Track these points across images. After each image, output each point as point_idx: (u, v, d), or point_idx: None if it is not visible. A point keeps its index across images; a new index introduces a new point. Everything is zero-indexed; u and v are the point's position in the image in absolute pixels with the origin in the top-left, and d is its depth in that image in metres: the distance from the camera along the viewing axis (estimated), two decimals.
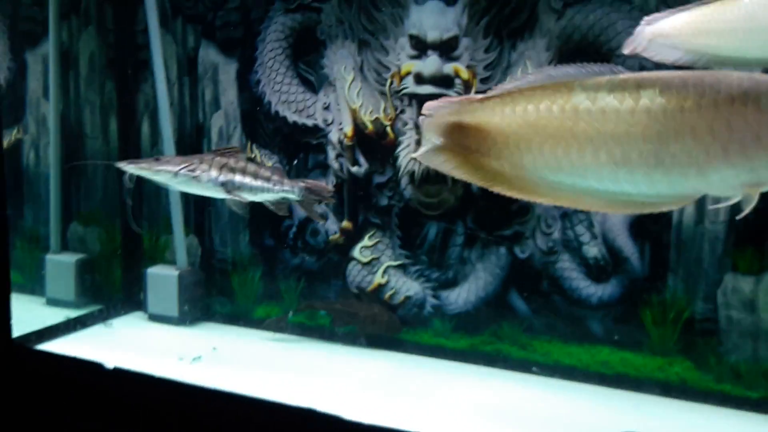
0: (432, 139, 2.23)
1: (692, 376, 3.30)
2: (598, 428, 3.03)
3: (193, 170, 3.27)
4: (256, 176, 3.31)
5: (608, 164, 2.13)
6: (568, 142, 2.10)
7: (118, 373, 3.63)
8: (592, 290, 3.51)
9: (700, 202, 3.24)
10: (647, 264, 3.38)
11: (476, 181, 2.40)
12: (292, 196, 3.34)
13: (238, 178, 3.29)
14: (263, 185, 3.33)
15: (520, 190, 2.42)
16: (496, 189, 2.44)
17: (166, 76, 4.25)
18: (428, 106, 2.24)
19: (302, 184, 3.31)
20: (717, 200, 3.14)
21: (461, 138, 2.35)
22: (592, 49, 3.42)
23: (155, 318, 4.39)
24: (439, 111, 2.24)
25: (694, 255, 3.27)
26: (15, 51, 4.78)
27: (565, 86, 2.08)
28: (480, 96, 2.13)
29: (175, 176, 3.29)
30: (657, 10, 3.24)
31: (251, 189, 3.33)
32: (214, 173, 3.28)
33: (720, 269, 3.23)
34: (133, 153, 4.50)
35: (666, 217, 3.32)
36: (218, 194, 3.35)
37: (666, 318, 3.33)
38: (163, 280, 4.36)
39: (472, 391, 3.46)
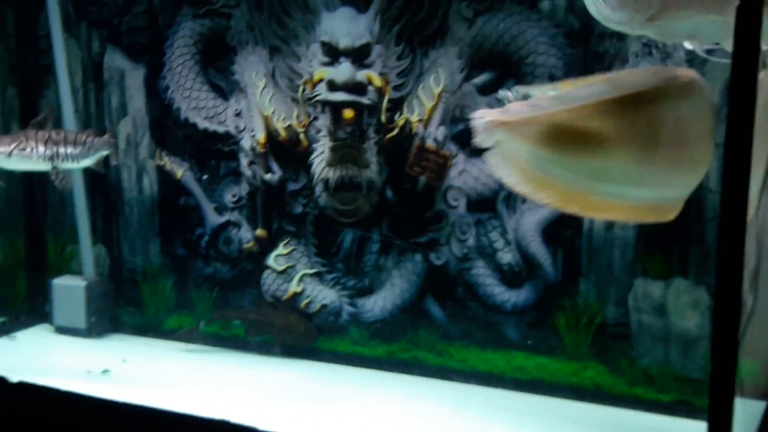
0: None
1: (605, 380, 3.35)
2: None
3: (24, 149, 3.36)
4: (75, 144, 3.54)
5: None
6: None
7: (23, 387, 3.50)
8: (506, 296, 3.53)
9: None
10: (560, 269, 3.42)
11: (526, 186, 2.46)
12: (106, 151, 3.70)
13: (62, 149, 3.49)
14: (83, 151, 3.60)
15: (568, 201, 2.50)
16: (544, 197, 2.50)
17: (70, 82, 4.12)
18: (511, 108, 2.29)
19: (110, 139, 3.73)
20: None
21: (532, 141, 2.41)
22: (502, 58, 3.44)
23: (62, 330, 4.25)
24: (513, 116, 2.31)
25: (606, 260, 3.32)
26: None
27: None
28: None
29: (9, 157, 3.44)
30: (565, 18, 3.29)
31: (74, 157, 3.58)
32: (41, 148, 3.45)
33: (631, 274, 3.28)
34: None
35: (577, 222, 3.35)
36: (47, 168, 3.55)
37: (579, 323, 3.37)
38: (69, 291, 4.21)
39: (389, 399, 3.44)
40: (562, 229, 3.40)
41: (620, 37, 3.14)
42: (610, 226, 3.30)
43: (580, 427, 3.13)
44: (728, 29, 2.13)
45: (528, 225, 3.46)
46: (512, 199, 3.49)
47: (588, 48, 3.28)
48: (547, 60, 3.33)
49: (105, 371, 3.69)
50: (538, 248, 3.45)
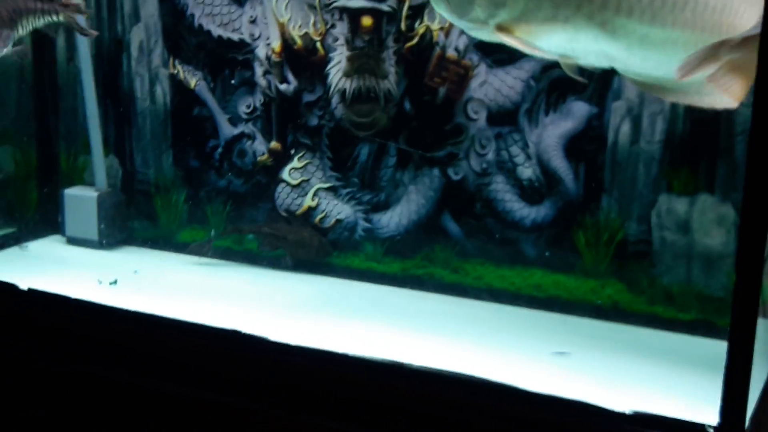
0: None
1: (624, 298, 3.27)
2: (529, 349, 2.99)
3: None
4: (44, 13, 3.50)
5: None
6: None
7: (33, 294, 3.48)
8: (525, 212, 3.44)
9: (636, 122, 3.18)
10: (581, 185, 3.32)
11: None
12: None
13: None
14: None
15: None
16: None
17: None
18: None
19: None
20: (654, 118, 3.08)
21: None
22: None
23: (73, 241, 4.20)
24: None
25: (629, 176, 3.22)
26: None
27: None
28: None
29: None
30: None
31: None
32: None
33: (654, 190, 3.18)
34: (49, 68, 4.25)
35: (601, 136, 3.24)
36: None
37: (599, 240, 3.29)
38: (81, 201, 4.16)
39: (402, 314, 3.39)
40: (585, 144, 3.30)
41: None
42: (635, 140, 3.19)
43: (598, 345, 3.06)
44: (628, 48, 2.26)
45: (550, 139, 3.35)
46: (534, 112, 3.38)
47: None
48: None
49: (113, 282, 3.64)
50: (559, 163, 3.34)
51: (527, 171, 3.42)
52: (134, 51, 4.08)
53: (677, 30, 2.44)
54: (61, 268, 3.90)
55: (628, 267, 3.26)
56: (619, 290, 3.28)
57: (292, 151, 3.85)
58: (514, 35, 2.52)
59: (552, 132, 3.35)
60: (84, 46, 4.02)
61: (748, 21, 2.41)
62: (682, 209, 3.13)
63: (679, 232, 3.14)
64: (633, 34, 2.46)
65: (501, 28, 2.53)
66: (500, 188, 3.48)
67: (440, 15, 3.32)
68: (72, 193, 4.18)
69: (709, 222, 3.08)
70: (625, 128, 3.19)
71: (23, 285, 3.46)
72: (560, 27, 2.49)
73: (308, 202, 3.85)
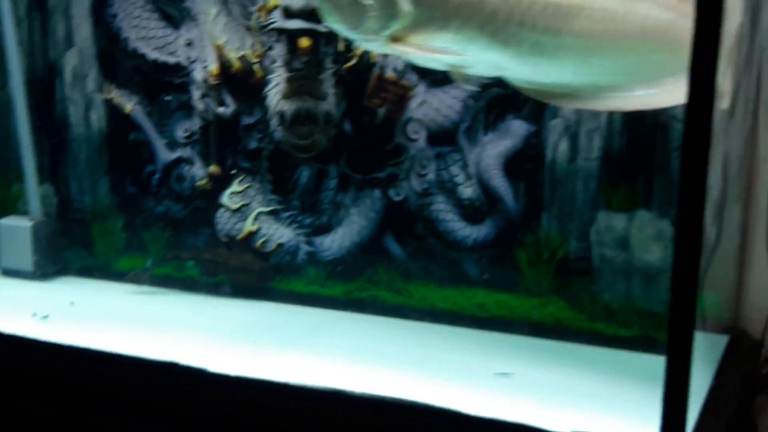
0: None
1: (566, 316, 3.27)
2: (472, 371, 2.96)
3: None
4: None
5: None
6: None
7: None
8: (467, 232, 3.42)
9: (574, 139, 3.19)
10: (521, 204, 3.32)
11: None
12: None
13: None
14: None
15: None
16: None
17: (13, 11, 3.91)
18: None
19: None
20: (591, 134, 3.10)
21: None
22: None
23: (8, 272, 4.09)
24: None
25: (568, 193, 3.22)
26: None
27: None
28: None
29: None
30: None
31: None
32: None
33: (593, 207, 3.19)
34: None
35: (540, 154, 3.25)
36: None
37: (540, 258, 3.28)
38: (15, 231, 4.05)
39: (346, 338, 3.34)
40: (524, 162, 3.29)
41: None
42: (573, 157, 3.20)
43: (540, 362, 3.05)
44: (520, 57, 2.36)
45: (490, 158, 3.35)
46: (474, 132, 3.37)
47: None
48: None
49: (45, 317, 3.53)
50: (499, 182, 3.34)
51: (468, 190, 3.41)
52: (68, 76, 4.00)
53: (571, 37, 2.48)
54: None
55: (569, 284, 3.26)
56: (561, 308, 3.28)
57: (233, 173, 3.80)
58: (407, 45, 2.56)
59: (491, 151, 3.34)
60: (16, 72, 3.93)
61: (656, 24, 2.46)
62: (621, 226, 3.14)
63: (618, 249, 3.15)
64: (525, 42, 2.49)
65: (394, 39, 2.57)
66: (441, 208, 3.46)
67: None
68: (6, 223, 4.08)
69: (647, 238, 3.10)
70: (563, 146, 3.20)
71: None
72: (452, 37, 2.53)
73: (249, 226, 3.80)
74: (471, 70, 2.69)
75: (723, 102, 2.52)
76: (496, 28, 2.48)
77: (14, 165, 4.14)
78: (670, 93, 2.52)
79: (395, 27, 2.56)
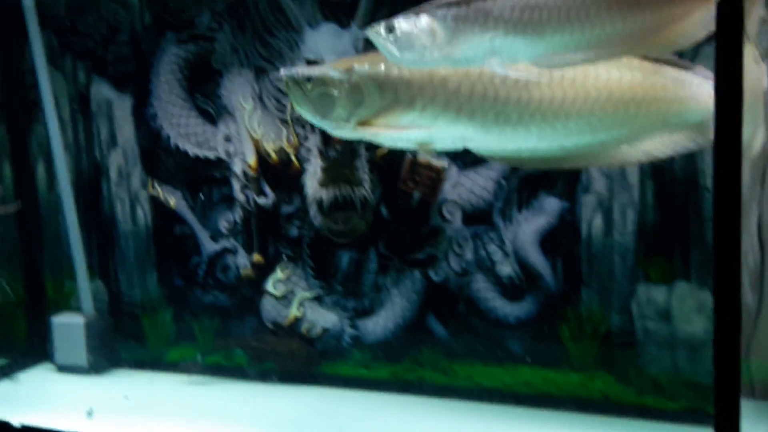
0: None
1: (614, 391, 3.24)
2: None
3: None
4: None
5: None
6: None
7: (26, 431, 3.45)
8: (508, 309, 3.44)
9: (608, 213, 3.20)
10: (561, 279, 3.33)
11: None
12: None
13: None
14: None
15: None
16: None
17: (58, 116, 4.08)
18: None
19: None
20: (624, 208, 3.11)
21: None
22: None
23: (63, 368, 4.18)
24: None
25: (606, 267, 3.22)
26: None
27: None
28: None
29: None
30: None
31: None
32: None
33: (632, 280, 3.18)
34: (30, 198, 4.31)
35: (575, 230, 3.27)
36: None
37: (583, 332, 3.28)
38: (69, 328, 4.16)
39: (395, 421, 3.35)
40: (559, 238, 3.31)
41: None
42: (608, 232, 3.21)
43: None
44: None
45: (525, 235, 3.37)
46: (508, 210, 3.41)
47: None
48: None
49: (89, 413, 3.58)
50: (537, 258, 3.36)
51: (506, 268, 3.43)
52: (113, 175, 4.14)
53: (534, 104, 2.51)
54: (51, 399, 3.86)
55: (614, 358, 3.24)
56: (608, 382, 3.26)
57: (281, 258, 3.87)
58: (375, 128, 2.65)
59: (527, 228, 3.37)
60: (63, 174, 4.08)
61: (619, 85, 2.49)
62: (661, 298, 3.13)
63: (660, 321, 3.13)
64: (489, 112, 2.55)
65: (362, 123, 2.67)
66: (481, 287, 3.49)
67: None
68: (59, 320, 4.19)
69: (689, 309, 3.08)
70: (598, 221, 3.21)
71: (15, 421, 3.44)
72: (418, 115, 2.60)
73: (294, 312, 3.85)
74: (438, 145, 2.73)
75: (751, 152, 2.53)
76: (461, 103, 2.55)
77: (65, 263, 4.27)
78: (645, 146, 2.56)
79: (363, 113, 2.65)
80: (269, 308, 3.91)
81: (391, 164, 3.58)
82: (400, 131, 2.65)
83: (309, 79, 2.65)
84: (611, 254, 3.21)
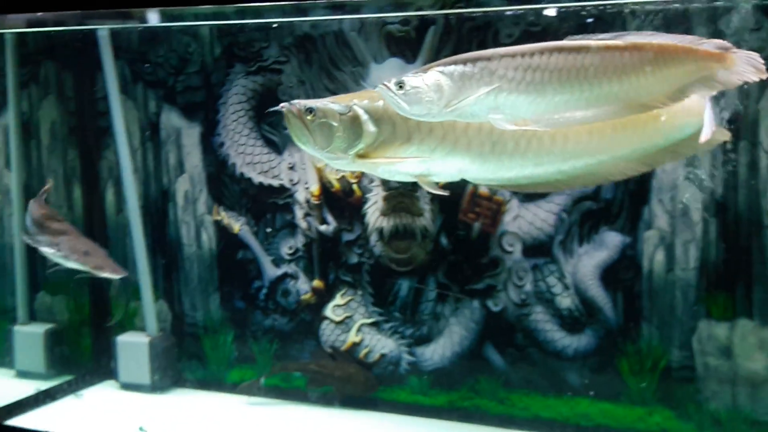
0: None
1: (673, 426, 3.26)
2: None
3: None
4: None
5: None
6: None
7: None
8: (567, 341, 3.47)
9: (670, 249, 3.23)
10: (620, 313, 3.36)
11: None
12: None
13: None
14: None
15: None
16: None
17: (128, 142, 4.22)
18: None
19: None
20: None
21: None
22: None
23: (127, 386, 4.30)
24: None
25: (667, 303, 3.25)
26: None
27: None
28: None
29: None
30: None
31: None
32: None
33: (694, 316, 3.20)
34: (98, 220, 4.45)
35: (636, 265, 3.30)
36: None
37: (643, 367, 3.30)
38: (133, 347, 4.27)
39: None
40: (621, 272, 3.35)
41: None
42: (670, 268, 3.24)
43: None
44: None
45: (586, 269, 3.41)
46: (569, 243, 3.45)
47: None
48: None
49: (141, 429, 3.69)
50: (597, 292, 3.39)
51: (566, 301, 3.47)
52: (180, 200, 4.26)
53: (529, 133, 2.55)
54: (113, 417, 3.98)
55: (674, 393, 3.26)
56: (667, 417, 3.28)
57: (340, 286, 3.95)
58: (373, 160, 2.71)
59: (588, 262, 3.41)
60: (132, 198, 4.21)
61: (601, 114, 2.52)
62: (723, 334, 3.15)
63: (721, 357, 3.15)
64: (486, 143, 2.59)
65: (360, 156, 2.71)
66: (540, 318, 3.53)
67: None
68: (124, 339, 4.31)
69: (750, 346, 3.09)
70: (659, 256, 3.24)
71: None
72: (415, 149, 2.65)
73: (352, 337, 3.93)
74: (436, 177, 2.77)
75: None
76: (457, 136, 2.59)
77: (131, 284, 4.40)
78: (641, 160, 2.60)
79: (361, 145, 2.70)
80: (328, 333, 3.99)
81: (452, 196, 3.64)
82: (397, 163, 2.70)
83: (310, 111, 2.72)
84: (673, 290, 3.24)
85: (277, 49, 3.92)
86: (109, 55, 4.13)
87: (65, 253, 3.39)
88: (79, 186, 4.52)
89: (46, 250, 3.46)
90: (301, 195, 3.97)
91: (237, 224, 4.15)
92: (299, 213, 3.99)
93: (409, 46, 3.62)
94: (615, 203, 3.30)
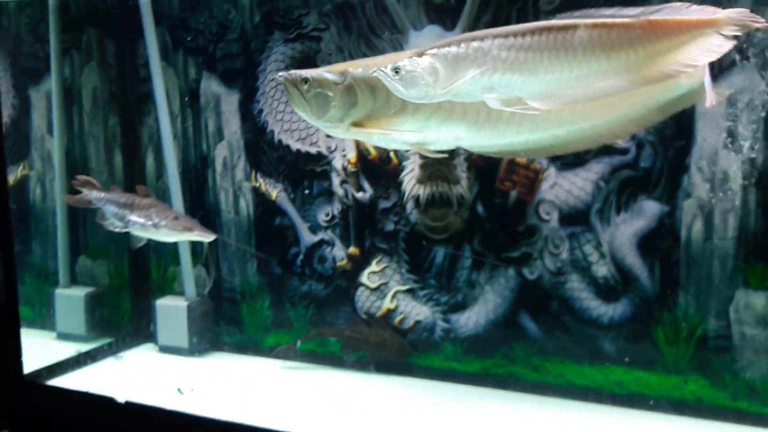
0: None
1: (708, 394, 3.27)
2: None
3: None
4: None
5: None
6: None
7: (130, 406, 3.66)
8: (602, 310, 3.48)
9: (709, 218, 3.22)
10: (657, 282, 3.36)
11: None
12: None
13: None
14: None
15: None
16: None
17: (168, 109, 4.27)
18: None
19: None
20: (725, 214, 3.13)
21: None
22: None
23: (165, 349, 4.38)
24: None
25: (705, 272, 3.25)
26: (18, 88, 4.80)
27: None
28: None
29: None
30: None
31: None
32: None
33: (731, 285, 3.20)
34: (139, 185, 4.50)
35: (674, 234, 3.29)
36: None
37: (679, 336, 3.31)
38: (172, 311, 4.35)
39: (485, 415, 3.44)
40: (658, 241, 3.35)
41: None
42: (708, 237, 3.23)
43: None
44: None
45: (623, 237, 3.42)
46: (606, 212, 3.45)
47: None
48: None
49: (180, 391, 3.76)
50: (634, 261, 3.40)
51: (602, 269, 3.48)
52: (218, 166, 4.31)
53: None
54: (153, 378, 4.06)
55: (709, 362, 3.27)
56: (702, 386, 3.28)
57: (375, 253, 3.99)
58: (368, 129, 2.77)
59: (625, 230, 3.41)
60: (172, 164, 4.26)
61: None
62: (760, 304, 3.14)
63: (758, 327, 3.14)
64: (482, 110, 2.64)
65: (355, 124, 2.78)
66: (576, 287, 3.54)
67: None
68: (163, 303, 4.38)
69: None
70: (698, 225, 3.23)
71: (120, 397, 3.64)
72: (410, 117, 2.71)
73: (387, 304, 3.96)
74: (432, 146, 2.82)
75: None
76: (452, 104, 2.62)
77: (170, 250, 4.47)
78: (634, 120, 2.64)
79: (356, 114, 2.76)
80: (363, 299, 4.03)
81: (489, 163, 3.66)
82: (393, 133, 2.76)
83: (306, 80, 2.79)
84: (710, 259, 3.23)
85: (316, 16, 3.94)
86: (150, 22, 4.17)
87: (157, 220, 3.47)
88: (120, 152, 4.59)
89: (139, 221, 3.55)
90: (338, 162, 4.00)
91: (275, 191, 4.19)
92: (336, 180, 4.02)
93: (448, 13, 3.62)
94: (654, 172, 3.29)
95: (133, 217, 3.54)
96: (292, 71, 2.82)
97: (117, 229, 3.69)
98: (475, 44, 2.36)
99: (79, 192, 3.86)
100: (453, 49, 2.38)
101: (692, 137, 3.20)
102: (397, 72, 2.42)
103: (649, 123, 2.68)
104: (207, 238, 3.57)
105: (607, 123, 2.63)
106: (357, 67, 2.78)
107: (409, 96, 2.45)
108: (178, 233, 3.52)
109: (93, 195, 3.81)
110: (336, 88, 2.76)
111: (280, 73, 2.83)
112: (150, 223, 3.49)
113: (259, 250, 4.30)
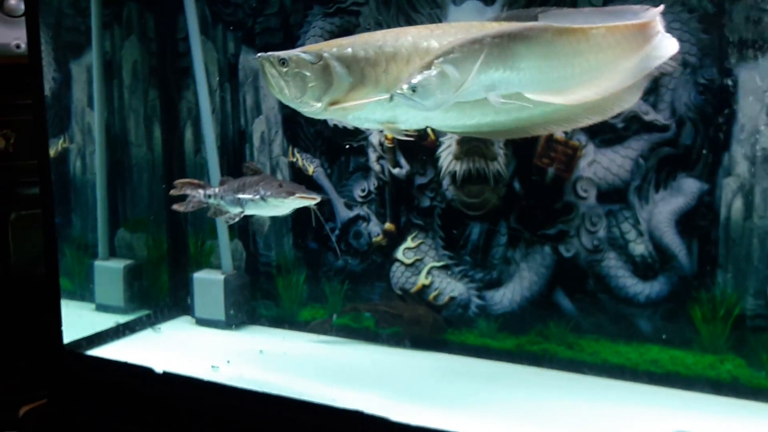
0: None
1: (744, 374, 3.24)
2: (650, 428, 3.00)
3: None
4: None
5: None
6: None
7: (168, 377, 3.72)
8: (639, 288, 3.46)
9: (749, 197, 3.19)
10: (695, 261, 3.33)
11: None
12: None
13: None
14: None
15: None
16: None
17: (207, 83, 4.30)
18: None
19: None
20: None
21: None
22: None
23: (202, 322, 4.44)
24: None
25: (744, 251, 3.22)
26: (59, 62, 4.85)
27: None
28: None
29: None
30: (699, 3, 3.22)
31: None
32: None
33: None
34: (177, 159, 4.56)
35: (713, 213, 3.26)
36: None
37: (716, 315, 3.28)
38: (209, 284, 4.40)
39: (519, 392, 3.45)
40: (697, 220, 3.32)
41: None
42: (748, 215, 3.19)
43: (718, 421, 3.05)
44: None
45: (661, 215, 3.39)
46: (644, 190, 3.43)
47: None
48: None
49: (215, 367, 3.80)
50: (672, 239, 3.37)
51: (639, 247, 3.46)
52: (256, 141, 4.34)
53: None
54: (191, 349, 4.11)
55: (746, 342, 3.24)
56: (739, 365, 3.26)
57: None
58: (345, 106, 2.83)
59: (663, 208, 3.38)
60: (210, 138, 4.30)
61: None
62: None
63: None
64: None
65: (332, 103, 2.85)
66: (613, 264, 3.52)
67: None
68: (200, 276, 4.44)
69: None
70: (738, 204, 3.20)
71: (158, 368, 3.69)
72: (384, 93, 2.76)
73: (422, 280, 3.98)
74: (403, 125, 2.88)
75: None
76: None
77: (208, 223, 4.51)
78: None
79: (334, 93, 2.81)
80: (398, 275, 4.04)
81: (527, 140, 3.64)
82: (365, 110, 2.81)
83: (283, 61, 2.82)
84: (750, 238, 3.20)
85: None
86: None
87: (263, 192, 3.47)
88: (159, 125, 4.63)
89: (248, 197, 3.53)
90: (375, 138, 4.01)
91: (311, 166, 4.22)
92: (373, 156, 4.03)
93: None
94: (694, 149, 3.26)
95: (244, 196, 3.52)
96: (270, 53, 2.88)
97: (237, 219, 3.64)
98: (475, 46, 2.49)
99: (185, 196, 3.74)
100: (456, 53, 2.50)
101: (734, 115, 3.16)
102: (414, 90, 2.51)
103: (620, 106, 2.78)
104: (311, 200, 3.53)
105: (571, 106, 2.71)
106: (332, 47, 2.83)
107: (427, 107, 2.56)
108: (282, 200, 3.48)
109: (202, 193, 3.71)
110: (312, 68, 2.81)
111: (259, 54, 2.89)
112: (258, 196, 3.48)
113: (296, 224, 4.32)
